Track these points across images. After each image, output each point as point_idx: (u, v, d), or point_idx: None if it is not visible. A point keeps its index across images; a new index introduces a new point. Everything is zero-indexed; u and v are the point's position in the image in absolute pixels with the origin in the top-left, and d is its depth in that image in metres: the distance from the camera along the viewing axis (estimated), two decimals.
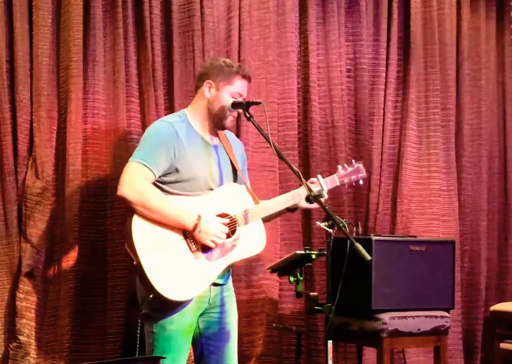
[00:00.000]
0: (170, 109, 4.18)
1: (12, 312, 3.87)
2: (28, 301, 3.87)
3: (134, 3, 4.15)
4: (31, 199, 3.90)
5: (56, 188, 3.97)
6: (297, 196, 3.45)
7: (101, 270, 3.98)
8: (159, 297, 3.12)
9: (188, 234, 3.20)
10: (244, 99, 3.39)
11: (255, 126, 3.25)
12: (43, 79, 3.94)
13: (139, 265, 3.12)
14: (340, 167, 3.62)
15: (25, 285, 3.86)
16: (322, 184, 3.49)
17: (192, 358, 4.00)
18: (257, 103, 3.31)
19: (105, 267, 3.97)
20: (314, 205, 3.13)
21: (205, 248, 3.22)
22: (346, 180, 3.60)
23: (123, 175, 3.19)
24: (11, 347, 3.85)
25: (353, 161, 3.68)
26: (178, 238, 3.20)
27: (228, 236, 3.26)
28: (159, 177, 3.24)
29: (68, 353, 3.89)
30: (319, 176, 3.52)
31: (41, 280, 3.92)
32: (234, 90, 3.35)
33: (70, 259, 3.91)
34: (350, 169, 3.62)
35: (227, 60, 3.47)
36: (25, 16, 3.93)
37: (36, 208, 3.90)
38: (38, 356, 3.89)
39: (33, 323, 3.88)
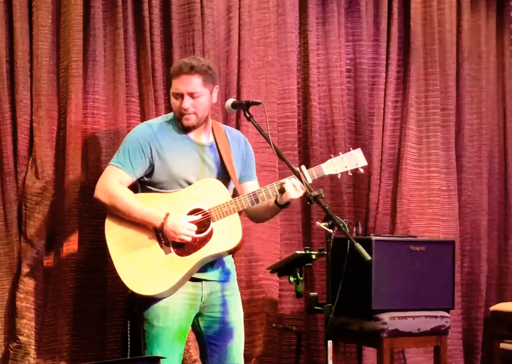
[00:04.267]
0: (170, 109, 4.13)
1: (12, 312, 3.87)
2: (28, 301, 3.86)
3: (134, 3, 4.15)
4: (31, 199, 3.90)
5: (56, 188, 3.97)
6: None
7: (101, 270, 3.98)
8: (135, 293, 3.21)
9: (159, 231, 3.23)
10: (191, 92, 3.26)
11: (255, 126, 3.24)
12: (43, 79, 3.94)
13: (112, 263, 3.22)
14: (332, 155, 3.37)
15: (25, 285, 3.86)
16: (306, 175, 3.26)
17: (192, 358, 4.02)
18: (257, 103, 3.30)
19: (105, 267, 3.96)
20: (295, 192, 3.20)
21: (177, 244, 3.23)
22: (338, 170, 3.33)
23: (100, 178, 3.32)
24: (11, 347, 3.85)
25: (351, 148, 3.42)
26: (150, 235, 3.25)
27: (201, 231, 3.24)
28: (142, 177, 3.31)
29: (68, 353, 3.89)
30: (303, 166, 3.29)
31: (41, 280, 3.92)
32: (172, 91, 3.34)
33: (70, 259, 3.91)
34: (343, 157, 3.35)
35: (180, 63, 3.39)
36: (25, 16, 3.93)
37: (36, 208, 3.90)
38: (38, 356, 3.88)
39: (33, 323, 3.87)
